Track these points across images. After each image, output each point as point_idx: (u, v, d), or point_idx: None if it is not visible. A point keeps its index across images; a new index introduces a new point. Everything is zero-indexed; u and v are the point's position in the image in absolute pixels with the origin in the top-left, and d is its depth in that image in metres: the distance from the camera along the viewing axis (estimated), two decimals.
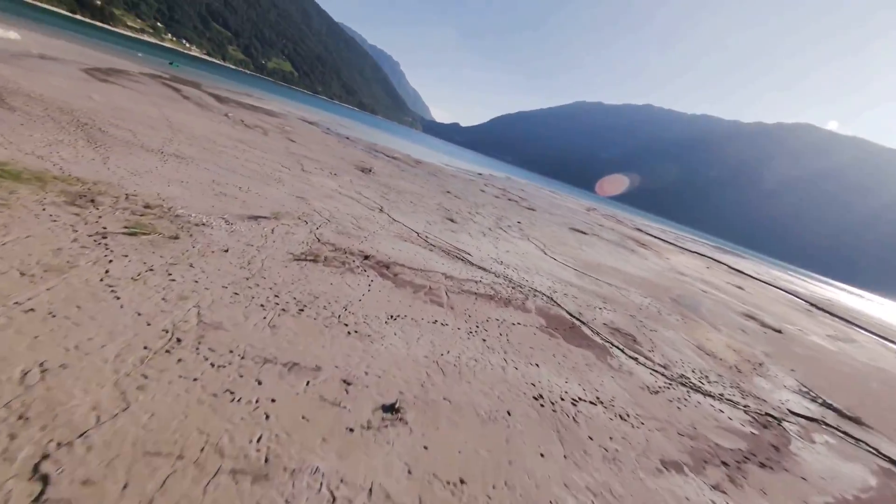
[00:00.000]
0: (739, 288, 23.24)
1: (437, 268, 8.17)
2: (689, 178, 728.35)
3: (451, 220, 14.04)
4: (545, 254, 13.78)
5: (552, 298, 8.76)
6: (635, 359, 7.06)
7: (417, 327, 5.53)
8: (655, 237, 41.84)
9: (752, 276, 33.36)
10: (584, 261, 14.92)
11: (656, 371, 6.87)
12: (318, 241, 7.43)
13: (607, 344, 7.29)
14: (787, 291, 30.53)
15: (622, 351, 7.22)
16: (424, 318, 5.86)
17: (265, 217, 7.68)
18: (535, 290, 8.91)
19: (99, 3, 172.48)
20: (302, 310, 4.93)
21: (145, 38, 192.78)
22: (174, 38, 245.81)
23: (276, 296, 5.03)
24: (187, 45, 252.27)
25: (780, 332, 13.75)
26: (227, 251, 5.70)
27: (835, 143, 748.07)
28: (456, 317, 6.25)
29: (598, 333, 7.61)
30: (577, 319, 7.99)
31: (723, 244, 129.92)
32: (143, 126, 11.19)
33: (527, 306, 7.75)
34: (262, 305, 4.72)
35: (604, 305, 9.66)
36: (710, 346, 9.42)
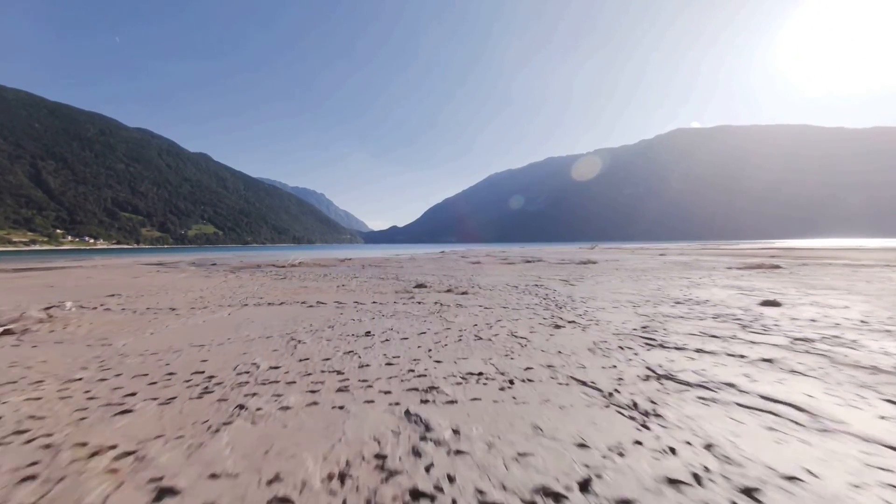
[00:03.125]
0: None
1: None
2: (609, 203, 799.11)
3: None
4: None
5: None
6: None
7: None
8: (727, 250, 31.43)
9: None
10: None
11: None
12: None
13: None
14: None
15: None
16: None
17: None
18: None
19: None
20: None
21: (36, 247, 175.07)
22: (75, 239, 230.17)
23: None
24: (91, 241, 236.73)
25: None
26: None
27: (705, 136, 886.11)
28: None
29: None
30: None
31: (673, 244, 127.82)
32: None
33: None
34: None
35: None
36: None
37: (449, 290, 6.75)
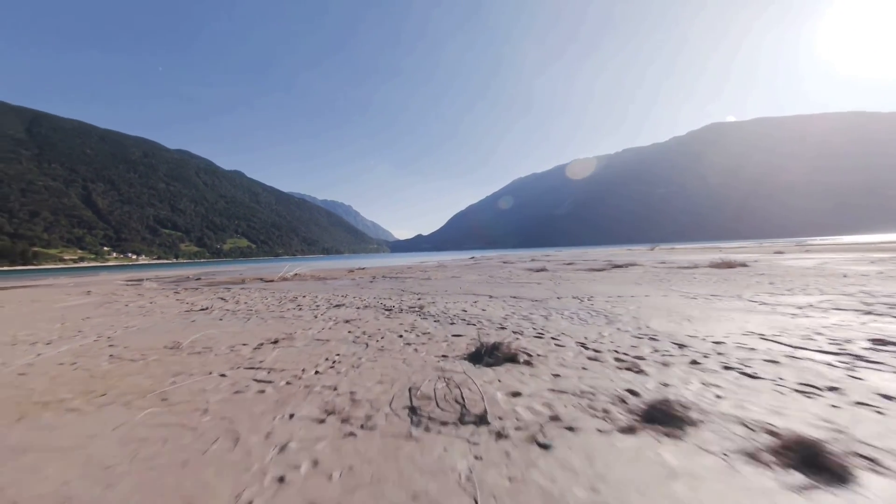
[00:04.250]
0: None
1: None
2: (642, 202, 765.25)
3: None
4: None
5: None
6: None
7: None
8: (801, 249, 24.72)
9: None
10: None
11: None
12: None
13: None
14: None
15: None
16: None
17: None
18: None
19: (32, 246, 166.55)
20: None
21: (83, 264, 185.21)
22: (120, 256, 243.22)
23: None
24: (134, 257, 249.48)
25: None
26: None
27: (742, 130, 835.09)
28: None
29: None
30: None
31: (713, 244, 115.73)
32: None
33: None
34: None
35: None
36: None
37: (523, 300, 1.83)
